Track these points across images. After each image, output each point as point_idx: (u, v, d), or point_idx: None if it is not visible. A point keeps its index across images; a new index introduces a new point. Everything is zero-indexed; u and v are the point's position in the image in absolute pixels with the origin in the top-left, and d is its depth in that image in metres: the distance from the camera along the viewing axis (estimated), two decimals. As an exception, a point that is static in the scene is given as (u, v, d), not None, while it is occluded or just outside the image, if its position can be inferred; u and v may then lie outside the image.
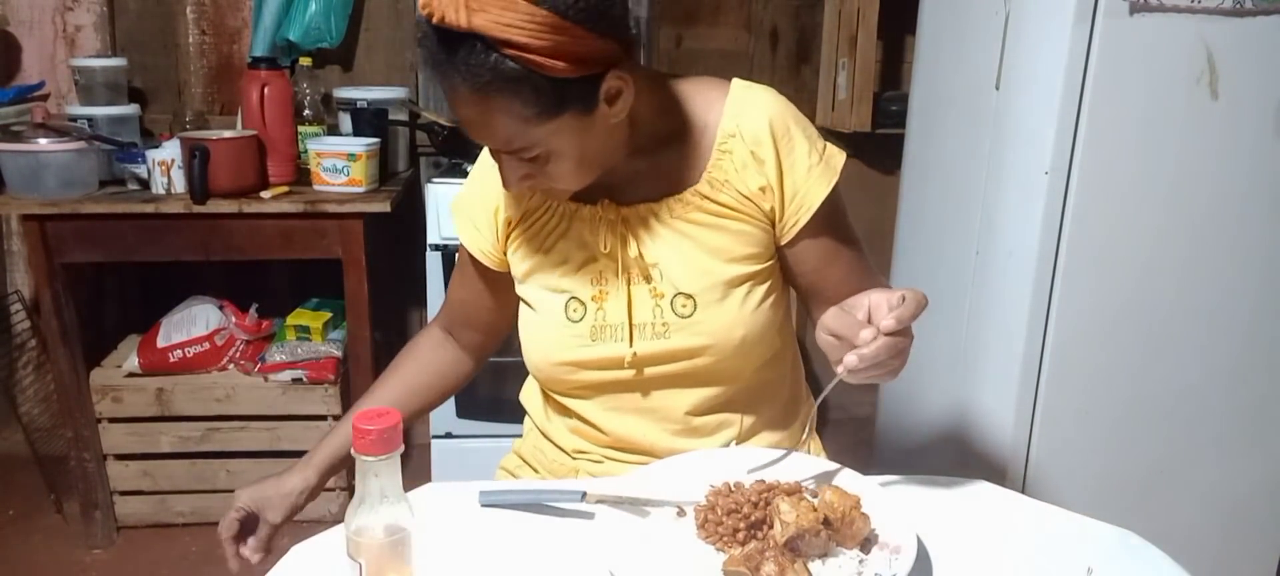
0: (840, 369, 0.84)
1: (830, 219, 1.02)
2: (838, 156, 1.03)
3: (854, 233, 1.07)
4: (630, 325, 1.01)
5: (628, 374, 1.03)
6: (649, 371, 1.03)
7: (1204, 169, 1.52)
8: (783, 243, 1.02)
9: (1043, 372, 1.59)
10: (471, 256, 1.11)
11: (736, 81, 1.03)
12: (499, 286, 1.12)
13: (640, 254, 1.01)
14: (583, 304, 1.03)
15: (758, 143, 0.99)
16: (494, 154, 0.95)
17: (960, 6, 1.75)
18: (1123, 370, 1.61)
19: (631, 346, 1.01)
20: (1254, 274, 1.60)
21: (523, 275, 1.07)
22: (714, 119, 1.01)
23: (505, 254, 1.09)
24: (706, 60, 2.54)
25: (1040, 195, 1.51)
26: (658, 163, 1.00)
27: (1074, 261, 1.53)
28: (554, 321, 1.04)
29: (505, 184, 0.95)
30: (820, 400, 1.01)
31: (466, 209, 1.11)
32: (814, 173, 1.00)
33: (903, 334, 0.84)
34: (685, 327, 1.00)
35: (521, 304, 1.10)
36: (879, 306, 0.85)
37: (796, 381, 1.17)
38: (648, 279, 1.01)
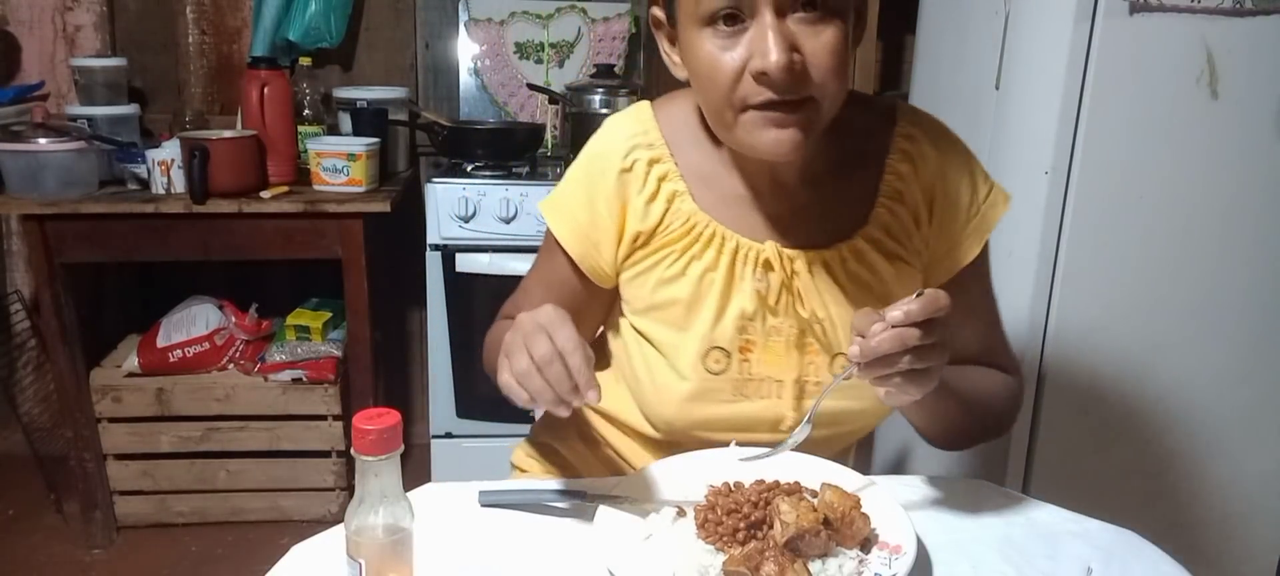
0: (849, 360, 0.78)
1: (978, 272, 0.94)
2: (1000, 206, 0.93)
3: (995, 301, 0.99)
4: (800, 383, 0.90)
5: (782, 438, 0.90)
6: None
7: (1204, 169, 1.52)
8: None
9: (1043, 372, 1.59)
10: (571, 268, 0.96)
11: (901, 105, 0.94)
12: (594, 304, 0.98)
13: (814, 312, 0.89)
14: (727, 354, 0.91)
15: (928, 175, 0.90)
16: (767, 22, 0.76)
17: (960, 6, 1.75)
18: (1123, 370, 1.60)
19: (795, 411, 0.91)
20: (1254, 273, 1.60)
21: (643, 306, 0.93)
22: (880, 147, 0.91)
23: (620, 273, 0.94)
24: (706, 60, 2.54)
25: (1040, 195, 1.51)
26: (824, 197, 0.90)
27: (1074, 261, 1.53)
28: (688, 369, 0.91)
29: (774, 59, 0.75)
30: (820, 398, 0.95)
31: (577, 211, 0.94)
32: (974, 220, 0.92)
33: (926, 333, 0.74)
34: (845, 390, 0.88)
35: (634, 338, 0.96)
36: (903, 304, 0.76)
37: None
38: (822, 341, 0.90)
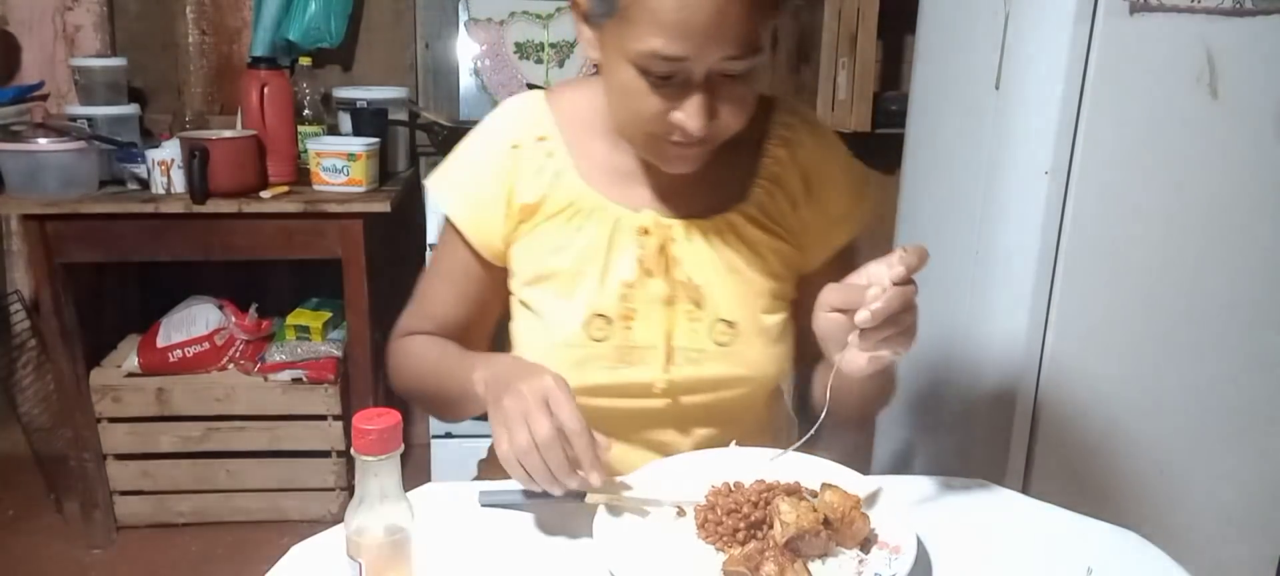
0: (841, 347, 0.79)
1: (854, 259, 0.98)
2: (873, 197, 1.00)
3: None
4: (669, 349, 0.94)
5: (655, 404, 0.95)
6: (683, 401, 0.95)
7: (1204, 169, 1.52)
8: (802, 271, 0.99)
9: (1043, 372, 1.59)
10: (467, 250, 0.99)
11: (779, 98, 1.00)
12: (496, 291, 1.01)
13: (690, 276, 0.94)
14: (608, 321, 0.93)
15: (806, 162, 0.96)
16: (697, 84, 0.81)
17: (960, 6, 1.75)
18: (1123, 370, 1.60)
19: (667, 373, 0.93)
20: (1254, 274, 1.60)
21: (529, 277, 0.97)
22: (758, 134, 0.96)
23: (509, 247, 0.98)
24: (706, 60, 2.54)
25: (1040, 195, 1.51)
26: (705, 175, 0.93)
27: (1074, 261, 1.53)
28: (571, 339, 0.94)
29: (695, 125, 0.81)
30: (828, 386, 0.94)
31: (466, 185, 0.97)
32: (850, 201, 0.98)
33: (910, 285, 0.77)
34: (722, 357, 0.94)
35: (521, 311, 0.99)
36: (879, 267, 0.78)
37: (785, 408, 1.13)
38: (695, 304, 0.93)
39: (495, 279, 1.01)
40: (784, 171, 0.96)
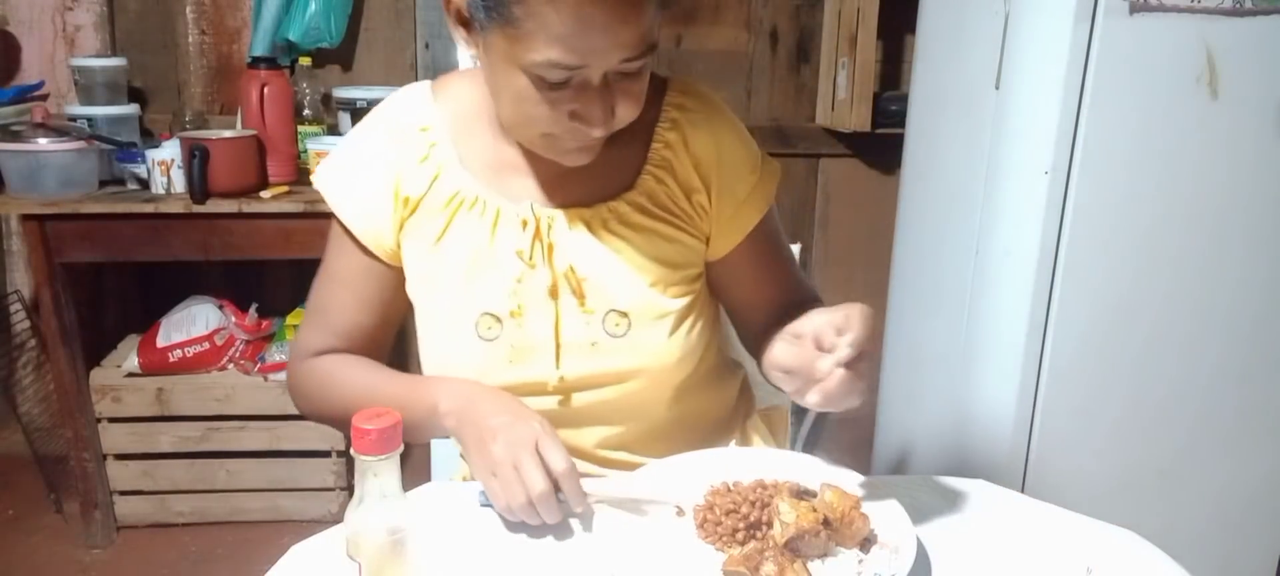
0: (807, 405, 0.79)
1: (766, 231, 0.97)
2: (776, 168, 0.98)
3: (785, 242, 1.02)
4: (558, 344, 0.91)
5: (550, 402, 0.93)
6: (576, 399, 0.93)
7: (1204, 169, 1.52)
8: (714, 257, 0.97)
9: (1043, 372, 1.59)
10: (360, 250, 0.94)
11: (671, 78, 0.96)
12: (393, 287, 0.96)
13: (572, 266, 0.91)
14: (498, 320, 0.91)
15: (698, 147, 0.93)
16: (594, 87, 0.80)
17: (960, 6, 1.75)
18: (1123, 370, 1.60)
19: (558, 368, 0.91)
20: (1254, 273, 1.60)
21: (419, 275, 0.94)
22: (649, 118, 0.92)
23: (399, 244, 0.94)
24: (706, 60, 2.54)
25: (1040, 195, 1.51)
26: (591, 164, 0.90)
27: (1074, 261, 1.53)
28: (463, 339, 0.91)
29: (599, 128, 0.81)
30: (805, 433, 0.93)
31: (351, 181, 0.93)
32: (754, 183, 0.95)
33: (860, 359, 0.76)
34: (618, 349, 0.91)
35: (418, 314, 0.96)
36: (826, 332, 0.77)
37: (725, 405, 1.08)
38: (579, 295, 0.91)
39: (395, 278, 0.96)
40: (675, 156, 0.93)
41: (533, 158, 0.92)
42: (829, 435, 2.25)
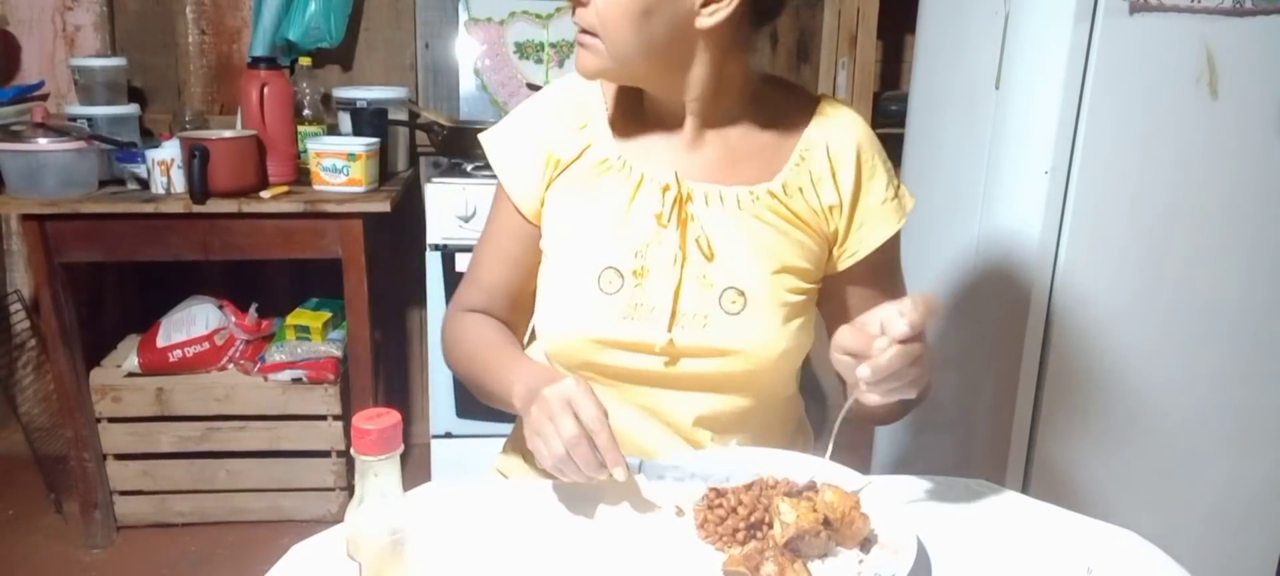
0: (855, 386, 0.80)
1: (887, 258, 1.01)
2: (909, 199, 1.02)
3: (902, 276, 1.05)
4: (675, 311, 0.95)
5: (656, 363, 0.96)
6: (682, 365, 0.96)
7: (1204, 169, 1.52)
8: (835, 269, 1.00)
9: (1043, 372, 1.59)
10: (512, 208, 1.02)
11: (826, 97, 1.02)
12: (532, 247, 1.04)
13: (703, 237, 0.95)
14: (620, 275, 0.96)
15: (840, 161, 0.97)
16: None
17: (960, 6, 1.75)
18: (1123, 370, 1.60)
19: (670, 332, 0.95)
20: (1254, 273, 1.60)
21: (554, 227, 1.00)
22: (800, 125, 0.99)
23: (544, 201, 1.01)
24: (706, 60, 2.54)
25: (1040, 195, 1.51)
26: (733, 150, 0.98)
27: (1074, 261, 1.53)
28: (584, 290, 0.96)
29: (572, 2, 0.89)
30: (839, 421, 0.94)
31: (511, 141, 1.03)
32: (886, 207, 0.99)
33: (917, 341, 0.78)
34: (729, 325, 0.95)
35: (543, 262, 1.02)
36: (890, 316, 0.79)
37: (800, 416, 1.14)
38: (707, 257, 0.95)
39: (537, 237, 1.03)
40: (817, 165, 0.98)
41: (681, 137, 0.98)
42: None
